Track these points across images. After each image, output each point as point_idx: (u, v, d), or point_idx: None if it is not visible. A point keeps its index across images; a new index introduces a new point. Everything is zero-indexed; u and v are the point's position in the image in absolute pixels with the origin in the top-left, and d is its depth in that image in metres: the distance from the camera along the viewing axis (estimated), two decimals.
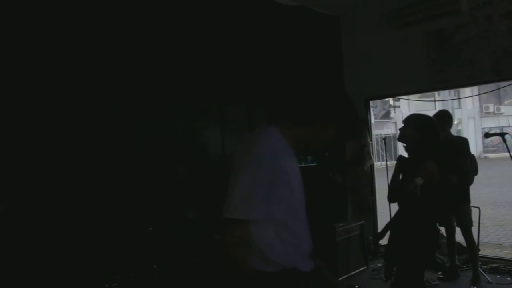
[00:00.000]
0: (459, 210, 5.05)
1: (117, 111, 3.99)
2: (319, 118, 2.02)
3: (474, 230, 5.18)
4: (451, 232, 5.20)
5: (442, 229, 5.10)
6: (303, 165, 5.40)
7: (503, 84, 6.47)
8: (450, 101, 21.03)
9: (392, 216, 5.43)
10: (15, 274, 3.18)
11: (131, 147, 4.07)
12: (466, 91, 17.04)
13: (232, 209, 1.82)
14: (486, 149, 29.72)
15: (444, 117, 5.21)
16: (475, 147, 27.28)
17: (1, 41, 3.38)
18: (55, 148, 3.56)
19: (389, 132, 25.90)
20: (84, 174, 3.65)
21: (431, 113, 5.26)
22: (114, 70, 4.02)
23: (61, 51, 3.72)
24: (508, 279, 5.16)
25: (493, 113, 30.64)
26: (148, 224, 3.45)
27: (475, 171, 5.15)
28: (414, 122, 3.46)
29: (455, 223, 5.14)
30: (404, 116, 3.89)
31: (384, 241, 3.97)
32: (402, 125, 3.56)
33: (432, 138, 3.39)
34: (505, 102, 31.25)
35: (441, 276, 5.24)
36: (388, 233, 3.68)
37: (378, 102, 24.43)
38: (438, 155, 3.33)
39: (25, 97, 3.49)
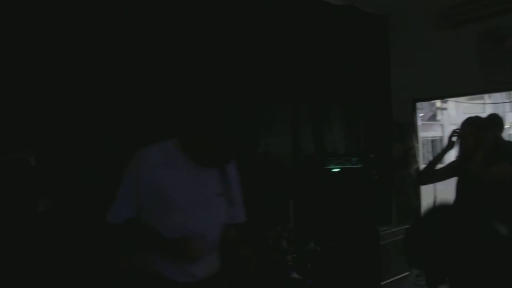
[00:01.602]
0: None
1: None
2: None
3: None
4: None
5: None
6: (347, 166, 5.31)
7: None
8: (501, 104, 20.27)
9: None
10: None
11: None
12: None
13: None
14: None
15: (495, 121, 5.01)
16: None
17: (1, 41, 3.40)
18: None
19: (435, 135, 25.23)
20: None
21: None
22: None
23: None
24: None
25: None
26: None
27: None
28: (490, 124, 3.30)
29: None
30: (452, 119, 3.75)
31: None
32: (466, 128, 3.38)
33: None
34: None
35: None
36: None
37: (425, 104, 23.86)
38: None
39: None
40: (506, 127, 5.11)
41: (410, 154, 6.48)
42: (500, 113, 20.88)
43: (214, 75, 4.49)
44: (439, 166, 3.84)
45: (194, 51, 4.42)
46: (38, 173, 3.29)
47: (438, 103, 25.05)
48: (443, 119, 27.33)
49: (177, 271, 2.04)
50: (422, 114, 24.93)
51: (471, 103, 18.80)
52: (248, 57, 4.85)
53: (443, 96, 8.63)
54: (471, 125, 3.36)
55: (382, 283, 5.13)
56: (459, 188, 3.50)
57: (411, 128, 6.57)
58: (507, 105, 20.51)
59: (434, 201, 6.13)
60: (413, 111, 6.64)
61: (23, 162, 3.23)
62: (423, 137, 10.22)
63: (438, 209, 2.35)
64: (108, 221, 2.05)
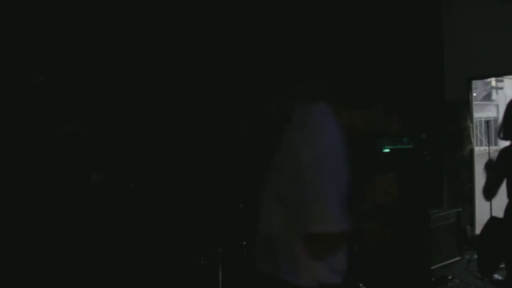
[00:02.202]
0: None
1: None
2: (381, 102, 1.78)
3: None
4: None
5: None
6: (398, 146, 5.15)
7: None
8: None
9: (492, 204, 5.09)
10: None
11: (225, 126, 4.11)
12: None
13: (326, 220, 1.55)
14: None
15: None
16: None
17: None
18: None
19: (490, 116, 24.31)
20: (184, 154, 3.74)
21: None
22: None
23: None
24: None
25: None
26: (239, 201, 3.47)
27: None
28: None
29: None
30: (508, 99, 3.49)
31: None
32: None
33: None
34: None
35: None
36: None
37: (479, 83, 22.95)
38: None
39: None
40: None
41: (464, 135, 6.23)
42: None
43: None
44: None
45: None
46: (90, 145, 3.37)
47: (493, 82, 24.06)
48: (498, 99, 26.23)
49: None
50: (475, 94, 24.05)
51: None
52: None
53: (499, 74, 8.23)
54: None
55: (433, 267, 4.99)
56: None
57: (466, 108, 6.31)
58: None
59: None
60: (468, 89, 6.37)
61: (76, 135, 3.31)
62: (476, 118, 9.81)
63: None
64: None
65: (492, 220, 3.33)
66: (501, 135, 3.20)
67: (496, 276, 4.25)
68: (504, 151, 3.24)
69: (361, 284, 3.55)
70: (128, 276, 3.43)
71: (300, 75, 4.74)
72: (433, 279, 4.72)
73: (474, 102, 6.70)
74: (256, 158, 3.70)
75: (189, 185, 3.70)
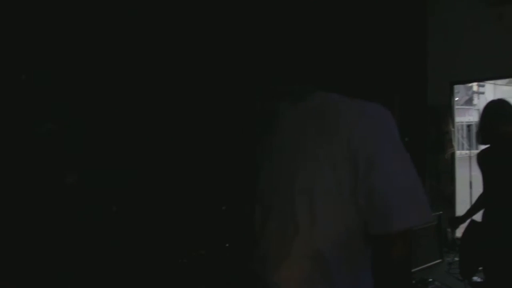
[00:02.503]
0: None
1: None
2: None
3: None
4: None
5: None
6: None
7: None
8: None
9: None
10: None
11: (210, 125, 4.08)
12: None
13: (417, 212, 1.26)
14: None
15: None
16: None
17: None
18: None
19: (471, 120, 24.62)
20: (164, 154, 3.70)
21: None
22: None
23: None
24: None
25: None
26: (222, 203, 3.45)
27: None
28: None
29: None
30: None
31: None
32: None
33: None
34: None
35: None
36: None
37: (461, 87, 23.25)
38: None
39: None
40: None
41: (445, 139, 6.30)
42: None
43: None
44: None
45: None
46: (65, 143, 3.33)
47: (474, 86, 24.41)
48: (479, 103, 26.61)
49: None
50: (458, 98, 24.36)
51: (510, 86, 18.16)
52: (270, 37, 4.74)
53: (482, 79, 8.37)
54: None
55: (414, 270, 5.02)
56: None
57: (447, 112, 6.38)
58: None
59: (470, 186, 5.98)
60: (450, 94, 6.44)
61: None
62: (458, 122, 9.94)
63: None
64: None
65: (472, 223, 3.36)
66: (480, 140, 3.26)
67: (475, 278, 4.30)
68: (480, 154, 3.28)
69: None
70: (110, 277, 3.40)
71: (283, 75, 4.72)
72: (414, 281, 4.75)
73: (456, 107, 6.78)
74: (239, 159, 3.68)
75: (171, 186, 3.66)
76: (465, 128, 17.19)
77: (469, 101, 26.30)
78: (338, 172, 1.21)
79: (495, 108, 3.19)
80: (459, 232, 6.02)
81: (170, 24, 3.86)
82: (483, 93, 25.44)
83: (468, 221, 3.45)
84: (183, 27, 3.95)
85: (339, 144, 1.22)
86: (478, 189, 3.32)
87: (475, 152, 5.68)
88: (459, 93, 24.49)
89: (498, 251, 3.05)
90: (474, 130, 6.61)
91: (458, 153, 6.71)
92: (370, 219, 1.22)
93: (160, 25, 3.79)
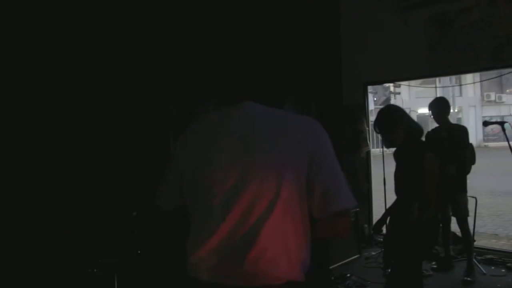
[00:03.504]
0: (455, 200, 4.94)
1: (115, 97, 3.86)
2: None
3: (470, 220, 5.08)
4: (446, 222, 5.10)
5: None
6: None
7: (505, 71, 6.35)
8: (451, 88, 20.88)
9: (386, 203, 5.34)
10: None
11: (119, 130, 3.95)
12: (468, 78, 16.90)
13: (351, 197, 1.69)
14: (486, 137, 29.58)
15: (442, 104, 5.08)
16: (475, 136, 27.16)
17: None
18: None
19: None
20: (70, 160, 3.53)
21: (431, 100, 5.15)
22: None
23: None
24: (503, 270, 5.07)
25: (495, 101, 30.40)
26: (132, 209, 3.35)
27: (472, 161, 5.03)
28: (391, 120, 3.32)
29: (451, 213, 5.05)
30: (405, 103, 3.74)
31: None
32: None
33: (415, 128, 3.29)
34: (507, 90, 31.00)
35: (435, 266, 5.14)
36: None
37: (379, 88, 24.28)
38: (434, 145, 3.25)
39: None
40: (455, 111, 5.18)
41: (361, 138, 6.51)
42: (450, 97, 21.40)
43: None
44: None
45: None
46: None
47: (391, 87, 25.58)
48: (396, 103, 27.93)
49: None
50: (376, 99, 25.40)
51: (423, 87, 19.17)
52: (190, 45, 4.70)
53: (393, 80, 8.73)
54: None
55: (332, 266, 5.14)
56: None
57: (362, 112, 6.60)
58: (456, 90, 21.12)
59: (384, 183, 6.22)
60: (364, 94, 6.67)
61: None
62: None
63: None
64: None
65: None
66: (385, 145, 3.44)
67: (388, 271, 4.49)
68: (394, 152, 3.45)
69: None
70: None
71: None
72: (332, 278, 4.87)
73: (375, 106, 7.02)
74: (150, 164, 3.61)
75: (80, 194, 3.51)
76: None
77: (387, 101, 27.53)
78: (299, 170, 1.64)
79: (381, 118, 3.36)
80: None
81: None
82: (399, 93, 26.74)
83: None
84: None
85: (300, 148, 1.65)
86: (392, 186, 3.47)
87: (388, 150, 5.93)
88: (377, 93, 25.58)
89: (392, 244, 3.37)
90: None
91: (373, 151, 6.96)
92: (318, 204, 1.65)
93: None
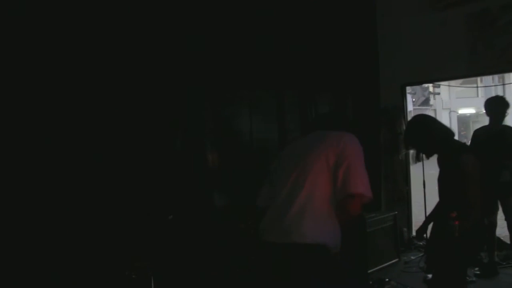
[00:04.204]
0: (507, 204, 4.77)
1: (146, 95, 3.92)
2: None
3: None
4: (492, 227, 4.92)
5: None
6: None
7: None
8: (493, 88, 20.24)
9: (426, 206, 5.22)
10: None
11: (157, 133, 4.00)
12: None
13: (365, 187, 2.31)
14: None
15: (502, 104, 4.89)
16: None
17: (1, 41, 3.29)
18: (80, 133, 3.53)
19: None
20: (105, 160, 3.60)
21: (473, 100, 5.02)
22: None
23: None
24: None
25: None
26: (169, 213, 3.39)
27: None
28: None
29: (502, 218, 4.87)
30: (445, 104, 3.66)
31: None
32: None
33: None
34: None
35: (478, 272, 4.97)
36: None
37: (417, 88, 23.78)
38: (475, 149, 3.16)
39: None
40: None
41: (399, 140, 6.39)
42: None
43: (197, 62, 4.37)
44: None
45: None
46: None
47: (430, 87, 25.02)
48: (435, 104, 27.32)
49: None
50: (415, 99, 24.91)
51: (464, 87, 18.69)
52: (233, 42, 4.72)
53: (432, 80, 8.54)
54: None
55: (371, 270, 5.07)
56: None
57: (400, 113, 6.48)
58: (499, 89, 20.47)
59: (424, 186, 6.09)
60: (402, 95, 6.54)
61: None
62: None
63: None
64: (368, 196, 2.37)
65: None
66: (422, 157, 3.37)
67: (429, 276, 4.38)
68: (437, 159, 3.36)
69: None
70: None
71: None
72: (370, 282, 4.79)
73: (413, 107, 6.88)
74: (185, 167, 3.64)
75: (117, 196, 3.57)
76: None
77: (426, 102, 26.96)
78: (328, 164, 2.37)
79: (409, 134, 3.32)
80: (415, 231, 6.15)
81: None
82: (438, 93, 26.11)
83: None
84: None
85: (331, 150, 2.39)
86: (432, 188, 3.39)
87: None
88: (416, 94, 25.10)
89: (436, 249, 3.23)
90: None
91: (412, 153, 6.81)
92: (339, 187, 2.32)
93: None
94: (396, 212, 5.67)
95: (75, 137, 3.51)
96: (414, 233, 6.18)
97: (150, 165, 3.81)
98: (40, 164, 3.32)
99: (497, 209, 4.87)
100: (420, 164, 5.85)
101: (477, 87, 19.05)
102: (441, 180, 3.22)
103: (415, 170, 6.74)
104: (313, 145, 2.46)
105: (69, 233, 3.34)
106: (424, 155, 3.32)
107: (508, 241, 5.29)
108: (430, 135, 3.15)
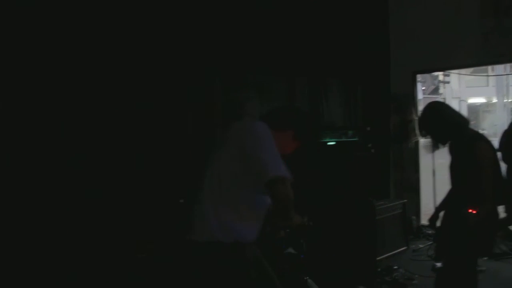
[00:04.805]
0: None
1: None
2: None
3: None
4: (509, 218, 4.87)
5: None
6: (342, 139, 5.19)
7: None
8: (505, 77, 20.03)
9: (436, 195, 5.20)
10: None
11: (166, 118, 4.01)
12: None
13: (279, 169, 2.08)
14: None
15: None
16: None
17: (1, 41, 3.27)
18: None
19: None
20: (117, 145, 3.63)
21: (483, 89, 4.96)
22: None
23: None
24: None
25: None
26: (179, 196, 3.41)
27: None
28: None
29: None
30: (454, 93, 3.61)
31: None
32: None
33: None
34: None
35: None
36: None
37: (427, 77, 23.58)
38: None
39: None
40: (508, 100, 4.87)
41: (409, 128, 6.36)
42: (504, 86, 20.40)
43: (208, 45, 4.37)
44: None
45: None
46: None
47: (440, 76, 24.79)
48: (445, 93, 27.09)
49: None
50: (424, 88, 24.72)
51: (474, 75, 18.53)
52: (242, 27, 4.70)
53: (444, 68, 8.46)
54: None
55: (379, 257, 5.07)
56: None
57: (411, 101, 6.43)
58: (510, 78, 20.26)
59: (433, 174, 6.06)
60: (413, 83, 6.49)
61: None
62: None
63: None
64: (288, 178, 2.13)
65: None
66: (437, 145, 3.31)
67: (438, 264, 4.38)
68: (449, 147, 3.33)
69: (306, 277, 3.54)
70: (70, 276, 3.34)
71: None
72: (379, 269, 4.80)
73: (423, 96, 6.82)
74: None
75: (128, 181, 3.60)
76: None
77: (436, 90, 26.74)
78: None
79: (423, 121, 3.29)
80: (424, 219, 6.13)
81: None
82: (448, 82, 25.87)
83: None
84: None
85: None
86: (441, 176, 3.36)
87: None
88: (426, 82, 24.89)
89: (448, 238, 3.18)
90: None
91: (421, 141, 6.78)
92: (258, 173, 2.10)
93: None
94: (406, 200, 5.65)
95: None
96: (422, 222, 6.23)
97: (163, 149, 3.83)
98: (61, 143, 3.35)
99: None
100: (429, 152, 5.82)
101: (488, 75, 18.84)
102: (454, 168, 3.20)
103: (424, 159, 6.72)
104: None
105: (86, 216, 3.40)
106: (440, 143, 3.27)
107: None
108: (446, 122, 3.13)
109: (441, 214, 3.41)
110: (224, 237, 2.16)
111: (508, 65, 19.30)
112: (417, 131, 6.50)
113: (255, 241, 2.28)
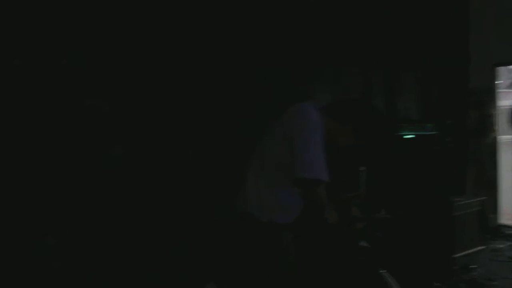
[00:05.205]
0: None
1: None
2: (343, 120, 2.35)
3: None
4: None
5: None
6: (421, 133, 5.07)
7: None
8: None
9: None
10: None
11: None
12: None
13: (313, 169, 2.09)
14: None
15: None
16: None
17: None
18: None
19: None
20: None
21: None
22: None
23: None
24: None
25: None
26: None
27: None
28: None
29: None
30: None
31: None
32: None
33: None
34: None
35: None
36: None
37: (503, 70, 22.42)
38: None
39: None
40: None
41: (488, 122, 6.11)
42: None
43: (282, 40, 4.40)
44: None
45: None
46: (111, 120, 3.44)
47: None
48: None
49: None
50: (501, 81, 23.51)
51: None
52: (320, 20, 4.71)
53: None
54: None
55: (456, 255, 4.92)
56: None
57: (490, 95, 6.18)
58: None
59: None
60: (493, 76, 6.22)
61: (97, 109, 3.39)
62: (501, 106, 9.60)
63: None
64: (322, 180, 2.13)
65: None
66: None
67: None
68: None
69: (383, 270, 3.51)
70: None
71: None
72: (456, 267, 4.66)
73: (499, 90, 6.54)
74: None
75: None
76: (508, 111, 16.50)
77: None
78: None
79: None
80: (504, 218, 5.89)
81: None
82: None
83: None
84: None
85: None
86: None
87: None
88: (502, 76, 23.67)
89: None
90: None
91: (501, 137, 6.49)
92: (294, 166, 2.12)
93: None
94: (484, 198, 5.43)
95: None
96: (502, 221, 5.98)
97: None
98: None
99: None
100: (509, 149, 5.58)
101: None
102: None
103: (504, 155, 6.44)
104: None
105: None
106: None
107: None
108: None
109: None
110: (261, 216, 2.24)
111: None
112: (496, 126, 6.24)
113: (290, 224, 2.34)
